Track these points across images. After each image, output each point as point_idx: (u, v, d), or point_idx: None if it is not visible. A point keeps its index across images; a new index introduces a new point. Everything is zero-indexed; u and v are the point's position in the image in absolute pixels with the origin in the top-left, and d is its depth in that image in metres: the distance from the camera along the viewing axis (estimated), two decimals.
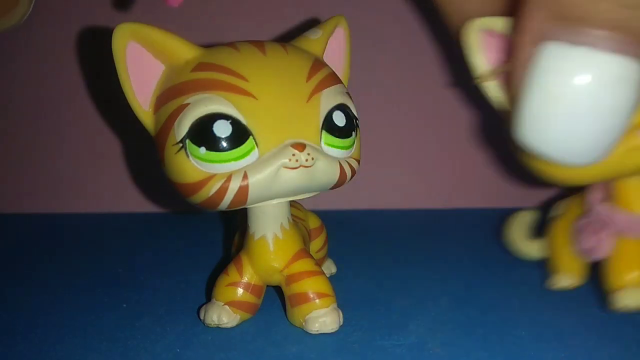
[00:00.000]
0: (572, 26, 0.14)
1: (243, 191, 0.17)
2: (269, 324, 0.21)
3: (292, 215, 0.22)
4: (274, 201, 0.19)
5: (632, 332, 0.20)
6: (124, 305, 0.22)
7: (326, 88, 0.19)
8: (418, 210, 0.39)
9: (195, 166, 0.17)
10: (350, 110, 0.19)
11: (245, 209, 0.20)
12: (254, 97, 0.17)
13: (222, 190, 0.17)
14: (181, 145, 0.17)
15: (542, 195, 0.40)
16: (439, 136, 0.38)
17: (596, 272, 0.26)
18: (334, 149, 0.19)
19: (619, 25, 0.13)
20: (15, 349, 0.19)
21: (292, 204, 0.24)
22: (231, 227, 0.33)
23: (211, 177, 0.17)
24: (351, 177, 0.19)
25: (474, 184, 0.39)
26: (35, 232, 0.34)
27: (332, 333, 0.20)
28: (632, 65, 0.14)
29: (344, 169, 0.19)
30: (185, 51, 0.18)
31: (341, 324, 0.20)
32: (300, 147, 0.17)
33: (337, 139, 0.19)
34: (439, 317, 0.21)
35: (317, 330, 0.19)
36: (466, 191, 0.39)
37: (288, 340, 0.19)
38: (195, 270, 0.26)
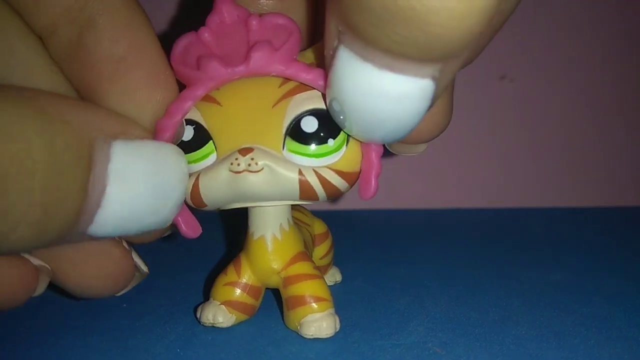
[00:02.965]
0: (357, 42, 0.14)
1: (196, 192, 0.18)
2: (269, 324, 0.21)
3: (296, 219, 0.22)
4: (247, 205, 0.19)
5: (633, 332, 0.20)
6: (124, 305, 0.22)
7: (300, 93, 0.18)
8: (418, 210, 0.39)
9: None
10: (330, 115, 0.18)
11: (246, 209, 0.20)
12: (218, 103, 0.18)
13: None
14: None
15: (543, 195, 0.40)
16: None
17: (594, 272, 0.26)
18: (300, 157, 0.18)
19: (397, 51, 0.13)
20: (15, 349, 0.19)
21: (298, 208, 0.24)
22: (232, 228, 0.33)
23: None
24: (328, 190, 0.18)
25: (474, 184, 0.39)
26: None
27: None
28: (413, 83, 0.14)
29: (305, 179, 0.17)
30: None
31: (337, 329, 0.19)
32: (245, 151, 0.17)
33: (303, 145, 0.18)
34: (439, 317, 0.21)
35: (312, 335, 0.19)
36: (466, 191, 0.40)
37: (288, 340, 0.19)
38: (195, 270, 0.26)
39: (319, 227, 0.24)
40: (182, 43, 0.18)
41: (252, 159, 0.17)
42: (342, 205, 0.38)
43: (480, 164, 0.39)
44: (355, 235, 0.33)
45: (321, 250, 0.24)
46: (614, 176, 0.40)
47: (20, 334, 0.20)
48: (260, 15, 0.18)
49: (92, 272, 0.17)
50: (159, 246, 0.31)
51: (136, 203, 0.15)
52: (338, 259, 0.26)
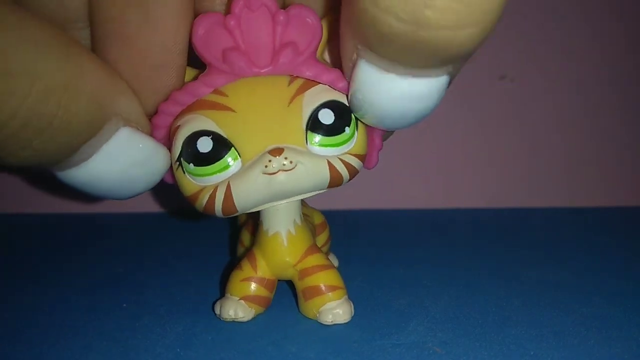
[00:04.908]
0: (380, 60, 0.15)
1: (228, 200, 0.18)
2: (269, 324, 0.21)
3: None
4: (271, 204, 0.19)
5: (633, 332, 0.20)
6: (124, 305, 0.22)
7: (311, 88, 0.18)
8: (418, 210, 0.39)
9: (190, 180, 0.19)
10: (342, 105, 0.19)
11: None
12: (232, 110, 0.18)
13: (211, 201, 0.18)
14: (178, 163, 0.19)
15: (543, 195, 0.40)
16: (438, 136, 0.38)
17: (594, 272, 0.26)
18: (324, 148, 0.18)
19: (419, 66, 0.15)
20: (15, 348, 0.19)
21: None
22: (232, 227, 0.33)
23: (202, 189, 0.18)
24: (351, 174, 0.19)
25: (474, 184, 0.39)
26: (36, 232, 0.34)
27: (331, 332, 0.20)
28: (432, 82, 0.16)
29: (334, 167, 0.18)
30: (187, 76, 0.19)
31: (353, 314, 0.20)
32: (277, 152, 0.18)
33: (325, 137, 0.18)
34: (439, 317, 0.21)
35: (332, 321, 0.20)
36: (466, 191, 0.40)
37: (287, 340, 0.19)
38: (195, 270, 0.26)
39: (317, 218, 0.25)
40: (205, 24, 0.18)
41: (286, 158, 0.18)
42: (342, 205, 0.38)
43: (480, 164, 0.39)
44: (355, 235, 0.33)
45: (321, 239, 0.25)
46: (614, 176, 0.40)
47: (20, 334, 0.20)
48: (285, 9, 0.18)
49: None
50: (159, 245, 0.31)
51: (102, 181, 0.17)
52: (338, 258, 0.26)
